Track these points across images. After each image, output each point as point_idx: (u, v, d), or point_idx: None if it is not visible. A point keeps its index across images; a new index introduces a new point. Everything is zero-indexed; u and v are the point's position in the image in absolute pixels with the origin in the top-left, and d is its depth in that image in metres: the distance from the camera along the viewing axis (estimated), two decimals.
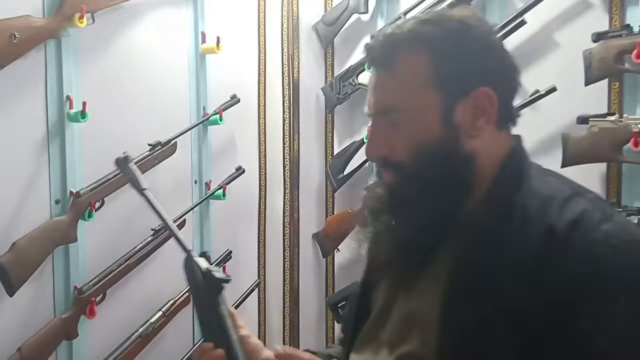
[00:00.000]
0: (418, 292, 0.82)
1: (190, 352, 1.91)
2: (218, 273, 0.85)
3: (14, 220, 1.47)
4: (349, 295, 1.14)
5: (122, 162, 1.03)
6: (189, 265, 0.88)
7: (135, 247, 1.74)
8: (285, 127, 2.38)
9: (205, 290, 0.85)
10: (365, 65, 0.94)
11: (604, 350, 0.66)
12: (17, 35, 1.40)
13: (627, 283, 0.67)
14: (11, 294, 1.42)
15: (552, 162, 1.84)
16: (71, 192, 1.58)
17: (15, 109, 1.48)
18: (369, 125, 0.89)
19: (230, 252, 2.11)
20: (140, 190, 1.00)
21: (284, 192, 2.39)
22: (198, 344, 1.91)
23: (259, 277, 2.33)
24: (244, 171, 2.15)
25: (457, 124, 0.79)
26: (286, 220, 2.39)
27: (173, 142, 1.83)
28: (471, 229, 0.77)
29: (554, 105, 1.86)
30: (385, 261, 0.86)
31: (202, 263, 0.88)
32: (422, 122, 0.79)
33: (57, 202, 1.56)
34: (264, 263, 2.36)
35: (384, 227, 0.85)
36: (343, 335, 1.02)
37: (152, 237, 1.78)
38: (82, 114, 1.56)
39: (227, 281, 0.85)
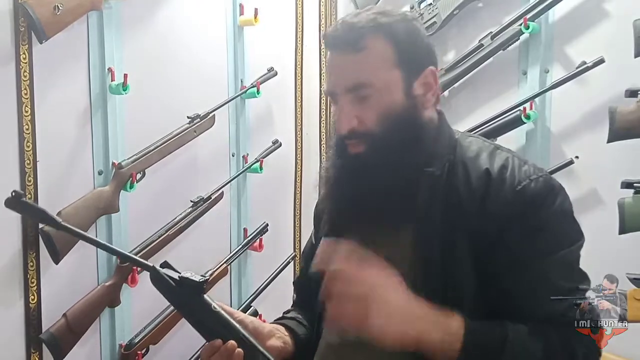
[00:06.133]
0: (387, 243, 0.97)
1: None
2: (193, 276, 0.90)
3: (59, 190, 1.50)
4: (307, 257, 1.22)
5: (13, 201, 0.87)
6: (157, 278, 0.91)
7: (175, 218, 1.76)
8: (322, 100, 2.36)
9: (187, 296, 0.90)
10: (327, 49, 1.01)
11: (527, 251, 0.90)
12: (60, 8, 1.41)
13: (538, 204, 0.92)
14: (57, 261, 1.46)
15: (598, 137, 1.79)
16: (113, 164, 1.60)
17: (59, 81, 1.50)
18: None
19: (267, 225, 2.12)
20: (56, 223, 0.90)
21: (320, 165, 2.39)
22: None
23: (294, 250, 2.34)
24: (280, 144, 2.15)
25: (415, 96, 0.96)
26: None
27: (211, 114, 1.83)
28: (427, 181, 0.95)
29: (601, 78, 1.79)
30: (354, 220, 1.00)
31: (172, 273, 0.91)
32: (390, 95, 0.94)
33: (100, 173, 1.59)
34: (300, 236, 2.37)
35: (350, 191, 0.98)
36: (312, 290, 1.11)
37: (191, 208, 1.80)
38: (124, 86, 1.57)
39: (206, 280, 0.91)
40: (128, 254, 0.96)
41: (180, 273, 0.91)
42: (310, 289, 1.16)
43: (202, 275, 0.92)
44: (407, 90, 0.95)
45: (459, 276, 0.93)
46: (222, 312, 0.91)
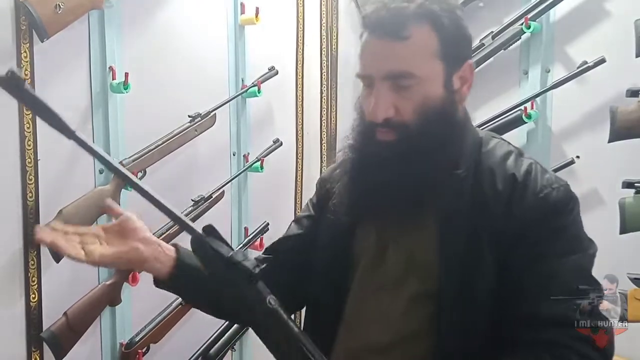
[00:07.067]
0: (410, 239, 0.97)
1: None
2: (245, 260, 0.79)
3: (59, 189, 1.50)
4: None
5: (11, 82, 0.68)
6: (202, 253, 0.79)
7: None
8: (323, 100, 2.36)
9: (234, 281, 0.81)
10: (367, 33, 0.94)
11: (545, 252, 0.91)
12: (61, 6, 1.41)
13: (559, 210, 0.93)
14: (57, 260, 1.46)
15: (599, 136, 1.79)
16: None
17: (60, 80, 1.50)
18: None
19: (268, 224, 2.12)
20: (71, 134, 0.77)
21: (321, 164, 2.39)
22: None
23: None
24: (281, 144, 2.15)
25: (454, 90, 0.95)
26: None
27: (212, 113, 1.83)
28: (453, 182, 0.95)
29: (602, 77, 1.80)
30: (376, 207, 0.97)
31: (222, 248, 0.78)
32: (430, 87, 0.92)
33: (100, 171, 1.59)
34: None
35: (375, 179, 0.95)
36: (324, 279, 1.06)
37: (192, 207, 1.80)
38: (125, 85, 1.57)
39: (261, 269, 0.80)
40: (175, 211, 0.85)
41: (230, 247, 0.79)
42: (289, 259, 1.12)
43: (256, 262, 0.80)
44: (446, 83, 0.93)
45: (477, 276, 0.92)
46: (278, 308, 0.82)
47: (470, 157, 0.97)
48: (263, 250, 1.21)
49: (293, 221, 1.20)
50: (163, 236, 1.70)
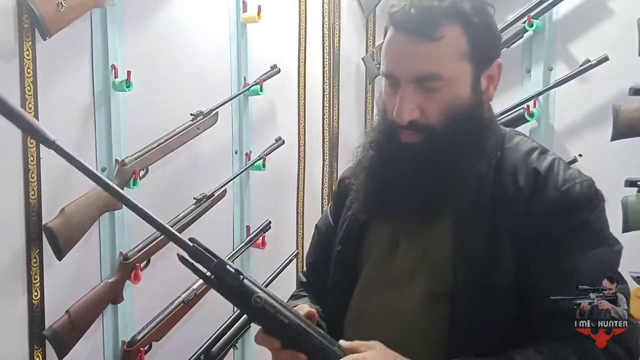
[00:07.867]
0: (424, 236, 0.95)
1: (231, 318, 1.94)
2: (228, 272, 0.81)
3: (62, 187, 1.51)
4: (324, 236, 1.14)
5: None
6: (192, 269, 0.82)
7: (178, 215, 1.76)
8: (325, 98, 2.36)
9: (225, 289, 0.83)
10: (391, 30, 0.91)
11: (566, 247, 0.89)
12: (63, 4, 1.41)
13: (583, 204, 0.91)
14: (60, 258, 1.46)
15: (601, 135, 1.79)
16: (116, 160, 1.61)
17: (62, 78, 1.50)
18: (388, 88, 0.94)
19: (270, 222, 2.12)
20: (51, 142, 0.77)
21: (323, 163, 2.39)
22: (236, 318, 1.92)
23: (297, 248, 2.34)
24: (283, 142, 2.15)
25: (481, 91, 0.93)
26: (325, 191, 2.39)
27: (214, 112, 1.83)
28: (473, 178, 0.93)
29: (605, 76, 1.79)
30: (392, 206, 0.95)
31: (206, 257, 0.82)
32: (458, 89, 0.90)
33: (103, 170, 1.59)
34: (303, 234, 2.37)
35: (394, 178, 0.93)
36: (337, 274, 1.06)
37: (194, 205, 1.80)
38: (127, 83, 1.57)
39: (245, 277, 0.81)
40: (163, 223, 0.86)
41: (214, 257, 0.83)
42: (323, 274, 1.10)
43: (237, 271, 0.82)
44: (474, 85, 0.92)
45: (495, 275, 0.90)
46: (268, 307, 0.82)
47: (491, 153, 0.95)
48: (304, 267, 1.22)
49: (315, 226, 1.19)
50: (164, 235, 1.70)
